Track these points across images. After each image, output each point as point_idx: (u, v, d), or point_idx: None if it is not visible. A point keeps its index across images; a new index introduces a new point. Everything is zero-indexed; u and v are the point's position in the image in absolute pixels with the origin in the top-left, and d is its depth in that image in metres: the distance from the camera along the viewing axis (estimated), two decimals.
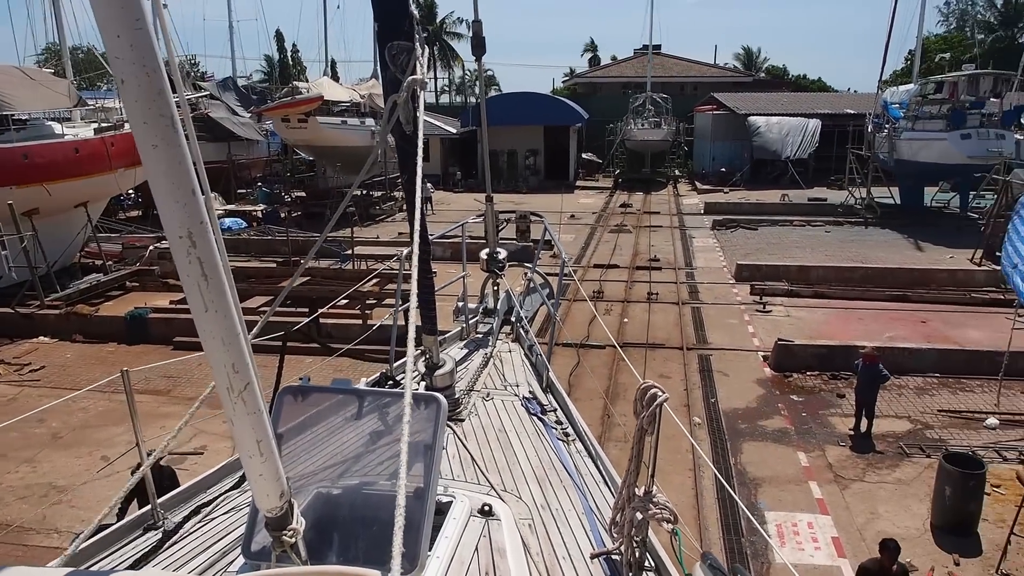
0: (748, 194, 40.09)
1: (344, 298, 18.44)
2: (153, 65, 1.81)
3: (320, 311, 12.05)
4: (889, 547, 7.48)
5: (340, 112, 35.64)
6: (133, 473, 4.59)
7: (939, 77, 34.80)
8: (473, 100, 64.58)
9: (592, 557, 4.11)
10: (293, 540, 2.62)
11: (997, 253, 22.37)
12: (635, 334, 17.87)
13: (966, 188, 32.51)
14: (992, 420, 12.77)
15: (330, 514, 3.27)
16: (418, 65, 4.00)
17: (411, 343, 2.54)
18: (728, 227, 31.42)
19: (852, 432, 12.48)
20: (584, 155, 53.12)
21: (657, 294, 21.13)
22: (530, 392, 6.59)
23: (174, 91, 1.91)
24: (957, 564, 9.09)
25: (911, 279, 21.38)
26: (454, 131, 45.70)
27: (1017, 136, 30.67)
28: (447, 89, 79.75)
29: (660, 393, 3.59)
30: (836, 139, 42.27)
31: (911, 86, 36.43)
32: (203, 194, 2.05)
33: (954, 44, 59.15)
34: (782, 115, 45.27)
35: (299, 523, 2.65)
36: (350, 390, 3.80)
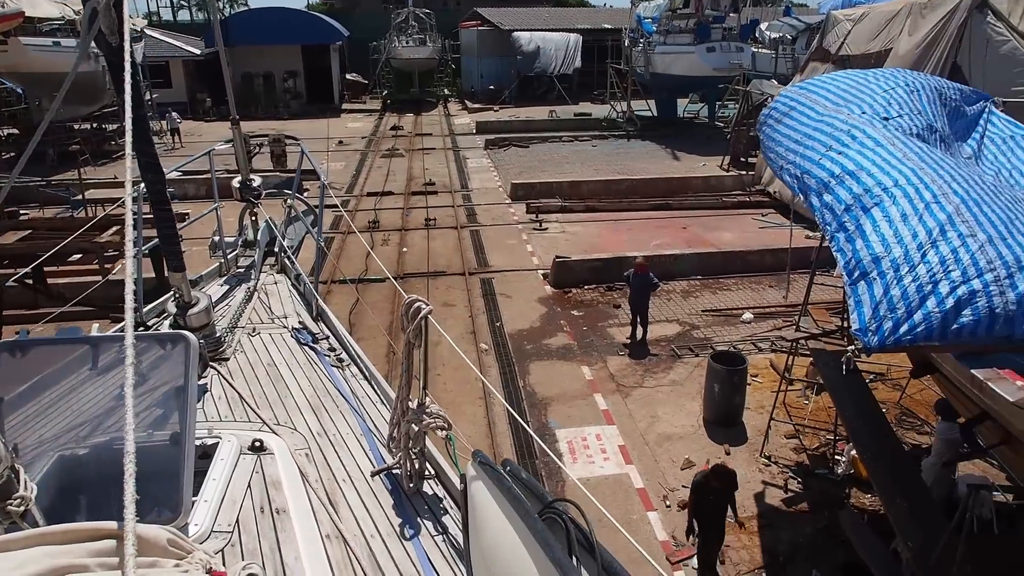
0: (518, 111, 40.46)
1: (76, 251, 16.03)
2: None
3: (38, 262, 10.10)
4: (719, 473, 7.55)
5: (51, 32, 30.33)
6: None
7: None
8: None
9: (373, 475, 4.15)
10: (22, 509, 2.43)
11: (742, 159, 24.40)
12: (415, 263, 17.28)
13: (713, 99, 35.05)
14: (747, 315, 13.85)
15: (77, 476, 3.06)
16: None
17: (128, 280, 2.16)
18: (501, 146, 31.48)
19: (629, 340, 12.95)
20: (348, 76, 50.48)
21: (435, 220, 20.60)
22: (300, 322, 6.37)
23: None
24: (728, 453, 9.76)
25: (670, 188, 22.70)
26: (198, 52, 41.11)
27: (753, 49, 33.34)
28: (185, 4, 71.36)
29: (424, 306, 3.69)
30: (596, 54, 43.58)
31: (661, 1, 38.11)
32: None
33: None
34: (545, 31, 45.76)
35: (29, 490, 2.47)
36: (80, 339, 3.51)
